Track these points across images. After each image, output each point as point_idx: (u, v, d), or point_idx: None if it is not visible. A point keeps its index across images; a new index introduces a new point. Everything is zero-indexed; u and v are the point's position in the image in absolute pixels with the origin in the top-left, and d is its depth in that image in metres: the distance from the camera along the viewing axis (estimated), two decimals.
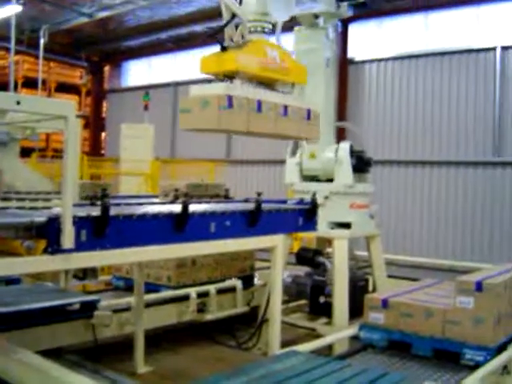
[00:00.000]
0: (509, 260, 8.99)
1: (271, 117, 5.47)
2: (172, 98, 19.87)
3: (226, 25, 5.65)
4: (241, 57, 5.36)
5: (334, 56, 8.42)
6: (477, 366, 5.17)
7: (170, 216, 4.62)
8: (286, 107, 5.62)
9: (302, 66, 6.14)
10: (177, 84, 19.87)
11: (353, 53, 15.35)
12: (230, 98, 5.02)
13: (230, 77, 5.51)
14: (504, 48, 12.91)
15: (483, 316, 5.31)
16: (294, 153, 8.09)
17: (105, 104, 23.56)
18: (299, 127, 5.82)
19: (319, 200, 7.51)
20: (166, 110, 19.79)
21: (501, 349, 5.41)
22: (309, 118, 5.92)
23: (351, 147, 8.04)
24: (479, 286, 5.37)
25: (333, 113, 8.58)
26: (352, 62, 15.36)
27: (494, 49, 13.03)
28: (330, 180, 8.02)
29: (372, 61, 15.14)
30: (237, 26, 5.68)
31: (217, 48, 5.42)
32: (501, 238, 12.75)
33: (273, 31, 5.94)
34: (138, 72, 22.00)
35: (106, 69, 23.57)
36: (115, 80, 23.05)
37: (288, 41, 7.96)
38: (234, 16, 5.57)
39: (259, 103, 5.34)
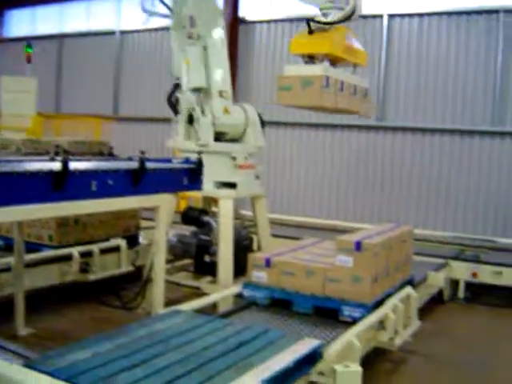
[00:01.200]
0: (388, 221, 9.37)
1: (347, 95, 6.05)
2: (57, 50, 19.09)
3: (346, 19, 6.12)
4: (333, 41, 5.82)
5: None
6: (354, 322, 5.39)
7: (50, 174, 4.47)
8: (355, 87, 6.23)
9: (363, 50, 6.72)
10: (63, 36, 19.10)
11: (244, 12, 15.26)
12: (327, 79, 5.55)
13: (311, 57, 5.99)
14: (390, 16, 13.22)
15: (361, 275, 5.52)
16: (202, 111, 7.89)
17: None
18: (361, 104, 6.47)
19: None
20: (51, 64, 19.01)
21: (377, 305, 5.66)
22: (366, 95, 6.59)
23: None
24: (358, 246, 5.57)
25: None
26: (243, 21, 15.28)
27: (380, 16, 13.33)
28: (232, 140, 8.08)
29: (263, 22, 15.11)
30: None
31: None
32: (381, 199, 13.24)
33: None
34: (21, 22, 20.90)
35: None
36: None
37: None
38: (353, 13, 6.07)
39: (342, 83, 5.91)
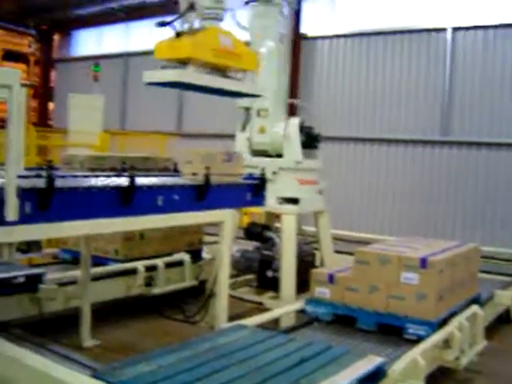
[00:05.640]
0: (453, 237, 9.18)
1: None
2: (123, 69, 19.55)
3: (182, 15, 5.65)
4: (194, 44, 5.38)
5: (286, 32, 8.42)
6: (419, 340, 5.30)
7: (117, 189, 4.58)
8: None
9: (254, 52, 6.23)
10: (128, 55, 19.55)
11: (306, 28, 15.29)
12: None
13: (183, 63, 5.53)
14: (455, 29, 13.02)
15: (426, 292, 5.44)
16: (244, 127, 8.05)
17: (54, 74, 23.00)
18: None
19: (268, 175, 7.60)
20: (117, 82, 19.47)
21: (442, 324, 5.56)
22: None
23: (301, 123, 8.09)
24: (424, 263, 5.49)
25: (285, 88, 8.61)
26: (305, 37, 15.32)
27: (444, 29, 13.14)
28: (279, 155, 8.07)
29: (324, 37, 15.10)
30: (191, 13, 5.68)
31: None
32: (445, 215, 12.98)
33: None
34: (88, 42, 21.52)
35: (56, 37, 22.99)
36: (64, 49, 22.50)
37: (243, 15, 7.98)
38: (192, 6, 5.58)
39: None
